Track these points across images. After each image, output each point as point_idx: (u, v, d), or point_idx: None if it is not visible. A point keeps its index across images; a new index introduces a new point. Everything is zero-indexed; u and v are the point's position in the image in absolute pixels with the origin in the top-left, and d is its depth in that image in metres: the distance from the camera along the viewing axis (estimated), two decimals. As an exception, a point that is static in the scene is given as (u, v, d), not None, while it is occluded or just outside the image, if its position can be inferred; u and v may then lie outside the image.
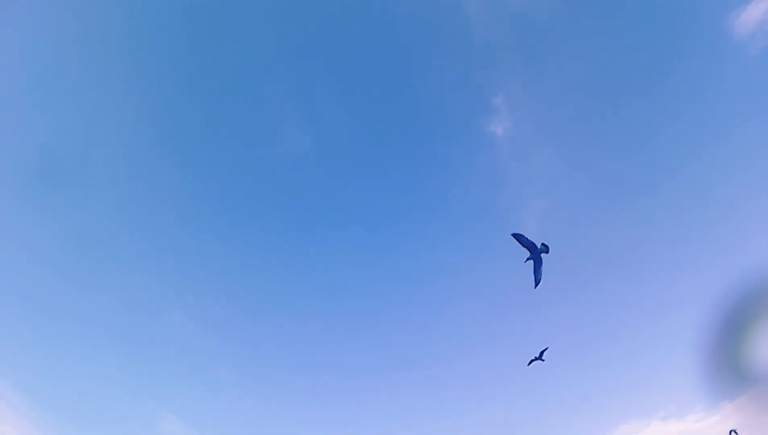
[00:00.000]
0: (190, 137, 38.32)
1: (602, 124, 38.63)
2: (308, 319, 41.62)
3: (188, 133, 38.23)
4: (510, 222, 40.84)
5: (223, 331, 39.56)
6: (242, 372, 38.77)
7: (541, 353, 17.22)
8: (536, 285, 13.18)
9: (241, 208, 40.94)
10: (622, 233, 40.35)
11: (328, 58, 37.38)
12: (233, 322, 40.07)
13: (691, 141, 36.62)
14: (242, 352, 39.57)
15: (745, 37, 31.29)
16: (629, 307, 38.67)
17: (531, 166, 40.80)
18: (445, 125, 40.02)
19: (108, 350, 34.51)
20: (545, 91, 39.35)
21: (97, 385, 33.07)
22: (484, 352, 40.57)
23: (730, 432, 20.37)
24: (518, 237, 12.87)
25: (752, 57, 32.09)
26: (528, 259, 13.05)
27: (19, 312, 31.79)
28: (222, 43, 34.81)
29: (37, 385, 30.96)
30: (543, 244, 12.98)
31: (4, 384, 29.33)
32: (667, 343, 35.83)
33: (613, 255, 40.72)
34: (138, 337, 35.92)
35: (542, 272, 13.17)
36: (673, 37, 34.30)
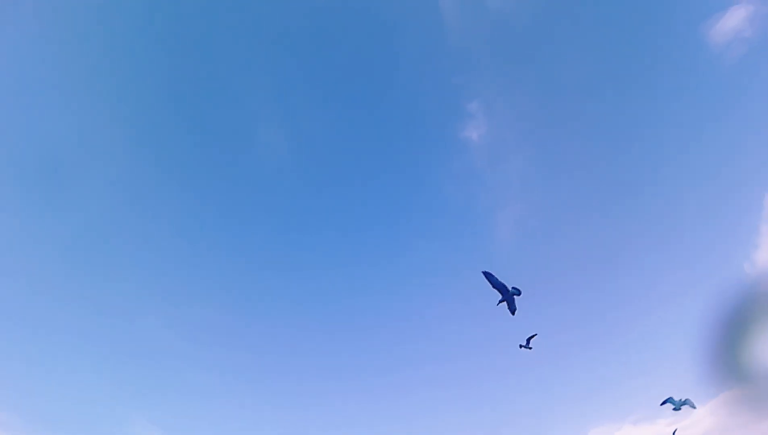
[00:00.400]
0: (168, 140, 37.68)
1: (577, 130, 39.17)
2: (285, 323, 41.18)
3: (165, 136, 37.61)
4: (485, 225, 41.19)
5: (198, 336, 38.98)
6: (218, 376, 38.17)
7: (528, 341, 17.16)
8: (513, 313, 13.37)
9: (218, 211, 40.41)
10: (595, 239, 40.92)
11: (306, 62, 37.20)
12: (209, 327, 39.49)
13: (666, 147, 37.29)
14: (218, 356, 38.97)
15: (722, 45, 31.86)
16: (602, 314, 39.21)
17: (506, 170, 41.21)
18: (422, 129, 40.29)
19: (81, 354, 33.71)
20: (521, 97, 39.80)
21: (70, 388, 32.20)
22: (455, 358, 40.64)
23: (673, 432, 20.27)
24: (488, 276, 12.80)
25: (728, 66, 32.72)
26: (500, 302, 13.12)
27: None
28: (200, 45, 34.25)
29: (7, 388, 29.91)
30: (514, 287, 13.04)
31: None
32: (639, 349, 36.38)
33: (586, 261, 41.26)
34: (113, 341, 35.23)
35: (516, 305, 13.27)
36: (650, 44, 34.86)
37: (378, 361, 40.32)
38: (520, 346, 16.94)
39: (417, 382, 39.24)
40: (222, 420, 35.73)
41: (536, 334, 16.71)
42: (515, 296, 13.11)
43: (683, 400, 15.22)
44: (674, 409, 15.43)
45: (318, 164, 40.99)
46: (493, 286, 12.85)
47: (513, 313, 13.26)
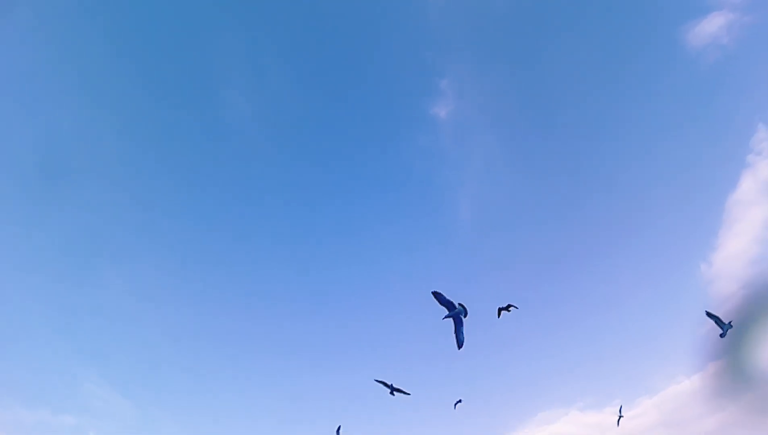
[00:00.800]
0: (128, 97, 35.83)
1: (546, 118, 39.34)
2: (243, 289, 40.52)
3: (126, 93, 35.72)
4: (447, 203, 41.28)
5: (156, 297, 38.04)
6: (174, 339, 37.31)
7: (508, 306, 16.76)
8: (459, 346, 12.35)
9: (179, 171, 39.20)
10: (554, 228, 41.46)
11: (275, 26, 35.88)
12: (167, 288, 38.56)
13: (634, 144, 37.94)
14: (175, 318, 38.06)
15: (698, 49, 32.28)
16: (557, 303, 39.82)
17: (471, 150, 41.23)
18: (391, 102, 39.78)
19: (30, 307, 31.89)
20: (493, 79, 39.60)
21: (18, 340, 30.42)
22: (408, 338, 40.51)
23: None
24: (437, 295, 12.25)
25: (702, 70, 33.25)
26: (446, 317, 12.31)
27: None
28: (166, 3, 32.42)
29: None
30: (460, 304, 12.23)
31: None
32: (591, 340, 37.34)
33: (543, 248, 41.80)
34: (65, 297, 33.69)
35: (464, 333, 12.35)
36: (627, 40, 35.05)
37: (332, 334, 39.88)
38: (501, 309, 16.62)
39: (368, 361, 38.94)
40: (176, 380, 35.10)
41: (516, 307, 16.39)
42: (462, 316, 12.31)
43: (730, 323, 14.36)
44: (721, 335, 14.51)
45: (283, 130, 40.08)
46: (441, 304, 12.27)
47: (460, 344, 12.34)
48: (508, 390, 37.17)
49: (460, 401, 17.53)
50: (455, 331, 12.34)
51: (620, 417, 21.46)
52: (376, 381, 15.14)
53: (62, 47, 32.23)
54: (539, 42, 36.28)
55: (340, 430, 16.82)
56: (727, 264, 30.60)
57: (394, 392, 15.11)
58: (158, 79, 35.84)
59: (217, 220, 40.45)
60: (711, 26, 31.56)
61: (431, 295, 12.20)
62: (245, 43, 36.28)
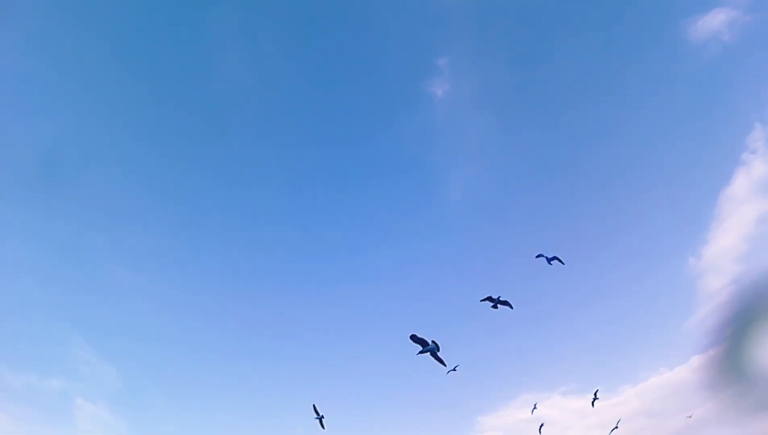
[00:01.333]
0: (122, 63, 34.98)
1: (542, 103, 39.19)
2: (233, 266, 40.64)
3: (120, 59, 34.85)
4: (438, 182, 41.35)
5: (146, 268, 38.10)
6: (162, 309, 37.45)
7: (554, 258, 17.38)
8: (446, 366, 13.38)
9: (172, 149, 38.83)
10: (544, 216, 41.67)
11: (272, 6, 35.13)
12: (157, 260, 38.67)
13: (630, 135, 37.87)
14: (164, 290, 38.21)
15: (699, 43, 31.96)
16: (546, 291, 40.39)
17: (465, 130, 41.08)
18: (388, 79, 39.38)
19: (20, 275, 31.70)
20: (492, 61, 39.23)
21: (3, 305, 30.18)
22: (397, 320, 41.10)
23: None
24: (414, 338, 12.98)
25: (701, 65, 33.01)
26: (420, 353, 13.09)
27: None
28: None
29: None
30: (433, 341, 13.06)
31: None
32: (578, 330, 37.97)
33: (532, 236, 42.12)
34: (55, 265, 33.56)
35: (443, 360, 13.27)
36: (628, 31, 34.74)
37: (320, 314, 40.22)
38: (547, 259, 17.18)
39: (353, 344, 39.34)
40: (163, 349, 35.50)
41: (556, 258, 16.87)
42: (435, 351, 13.15)
43: None
44: None
45: (279, 112, 39.56)
46: (415, 342, 13.07)
47: (445, 364, 13.35)
48: (494, 372, 38.01)
49: (456, 367, 18.65)
50: (437, 360, 13.22)
51: (595, 399, 21.71)
52: (483, 300, 15.62)
53: (59, 33, 31.33)
54: (540, 31, 35.85)
55: (317, 407, 17.31)
56: (717, 259, 30.99)
57: (498, 305, 15.76)
58: (154, 69, 35.03)
59: (208, 197, 40.25)
60: (713, 22, 31.24)
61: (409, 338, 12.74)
62: (242, 14, 35.35)
